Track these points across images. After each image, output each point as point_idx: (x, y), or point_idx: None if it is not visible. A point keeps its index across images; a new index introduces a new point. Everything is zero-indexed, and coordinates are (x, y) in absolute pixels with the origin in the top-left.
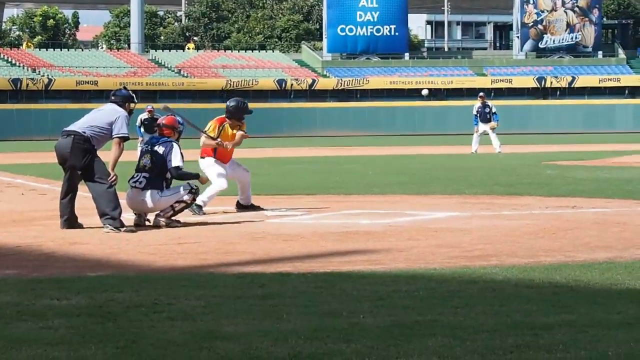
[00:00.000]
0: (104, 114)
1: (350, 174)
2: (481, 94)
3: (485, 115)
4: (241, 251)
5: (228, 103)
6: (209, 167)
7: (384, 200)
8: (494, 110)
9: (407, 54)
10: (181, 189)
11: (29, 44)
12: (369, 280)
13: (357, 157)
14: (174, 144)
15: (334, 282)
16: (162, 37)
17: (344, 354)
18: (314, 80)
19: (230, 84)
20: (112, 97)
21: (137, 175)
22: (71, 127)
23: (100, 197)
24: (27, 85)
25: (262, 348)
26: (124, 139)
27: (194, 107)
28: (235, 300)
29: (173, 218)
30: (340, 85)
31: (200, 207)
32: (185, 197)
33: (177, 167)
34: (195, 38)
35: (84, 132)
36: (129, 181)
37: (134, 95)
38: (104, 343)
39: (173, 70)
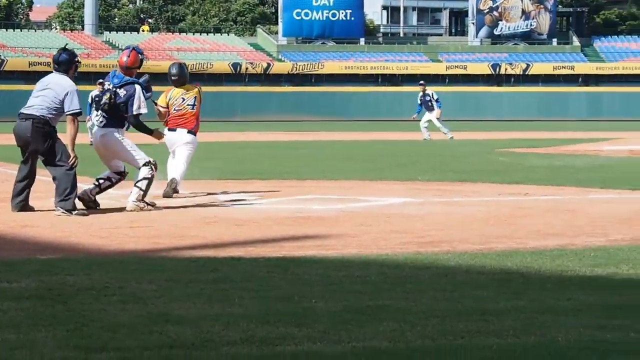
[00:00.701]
0: (53, 91)
1: (305, 158)
2: (421, 82)
3: (427, 104)
4: (193, 235)
5: (171, 70)
6: (193, 145)
7: (338, 186)
8: (435, 97)
9: (362, 39)
10: (139, 157)
11: None
12: (321, 265)
13: (312, 142)
14: (136, 87)
15: (286, 267)
16: (116, 19)
17: (295, 338)
18: (269, 64)
19: None
20: (56, 66)
21: (98, 115)
22: (29, 110)
23: (60, 180)
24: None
25: (214, 332)
26: (77, 114)
27: None
28: (187, 284)
29: (146, 200)
30: (296, 70)
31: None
32: (146, 173)
33: (138, 115)
34: (149, 20)
35: (43, 115)
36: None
37: (75, 53)
38: (54, 326)
39: None
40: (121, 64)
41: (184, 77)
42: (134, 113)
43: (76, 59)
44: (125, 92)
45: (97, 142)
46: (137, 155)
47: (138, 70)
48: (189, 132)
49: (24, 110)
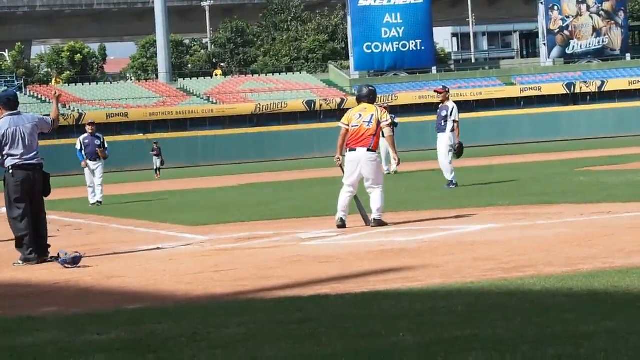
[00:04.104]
0: (35, 133)
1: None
2: (386, 103)
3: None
4: (278, 275)
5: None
6: (377, 164)
7: (418, 217)
8: (395, 120)
9: (434, 68)
10: None
11: (58, 80)
12: (406, 298)
13: (390, 174)
14: None
15: (372, 302)
16: (189, 65)
17: None
18: (342, 99)
19: (259, 108)
20: (14, 105)
21: None
22: (37, 159)
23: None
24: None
25: None
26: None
27: (225, 133)
28: (275, 325)
29: None
30: None
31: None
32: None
33: None
34: (222, 64)
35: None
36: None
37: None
38: None
39: (202, 98)
40: None
41: (362, 94)
42: None
43: None
44: None
45: None
46: None
47: None
48: (368, 150)
49: (33, 161)
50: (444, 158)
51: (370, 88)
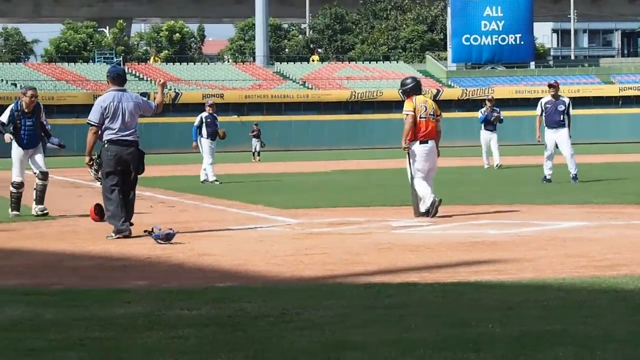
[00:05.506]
0: (134, 107)
1: (476, 183)
2: (490, 97)
3: (493, 122)
4: (367, 262)
5: (406, 81)
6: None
7: (511, 210)
8: (501, 116)
9: (532, 63)
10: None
11: (156, 58)
12: (497, 290)
13: (481, 167)
14: None
15: (462, 292)
16: (286, 50)
17: None
18: (438, 91)
19: (354, 96)
20: (121, 81)
21: None
22: (129, 136)
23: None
24: (155, 99)
25: (391, 357)
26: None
27: (319, 119)
28: (363, 310)
29: None
30: (465, 95)
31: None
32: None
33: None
34: (319, 50)
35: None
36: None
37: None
38: (233, 353)
39: (298, 83)
40: None
41: (412, 87)
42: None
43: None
44: None
45: None
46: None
47: None
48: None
49: (129, 137)
50: (569, 151)
51: (417, 79)
